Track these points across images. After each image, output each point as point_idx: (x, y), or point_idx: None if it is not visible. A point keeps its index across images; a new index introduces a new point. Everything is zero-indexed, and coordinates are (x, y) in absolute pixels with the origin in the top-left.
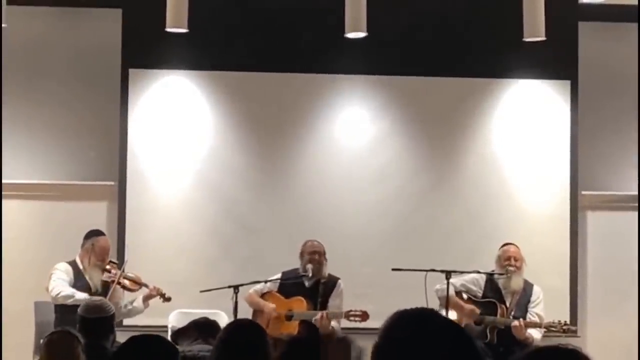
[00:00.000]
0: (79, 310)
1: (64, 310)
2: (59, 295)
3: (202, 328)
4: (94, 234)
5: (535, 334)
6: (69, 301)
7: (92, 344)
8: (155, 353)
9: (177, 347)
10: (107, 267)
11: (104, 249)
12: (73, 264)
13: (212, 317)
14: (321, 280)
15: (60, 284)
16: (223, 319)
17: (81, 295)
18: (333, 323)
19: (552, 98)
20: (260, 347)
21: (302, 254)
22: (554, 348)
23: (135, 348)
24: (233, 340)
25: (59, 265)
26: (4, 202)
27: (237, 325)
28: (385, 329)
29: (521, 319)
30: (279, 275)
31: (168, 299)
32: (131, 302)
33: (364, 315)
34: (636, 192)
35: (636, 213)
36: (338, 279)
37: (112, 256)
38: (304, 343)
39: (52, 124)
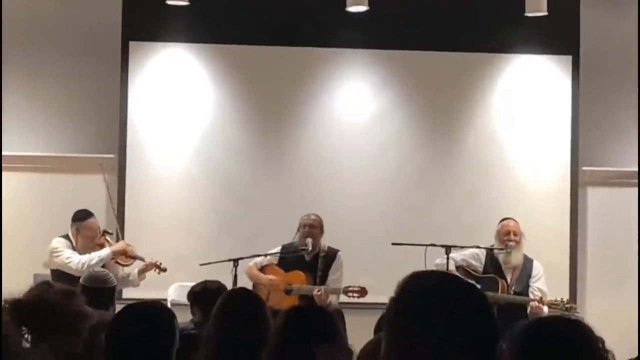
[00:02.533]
0: (81, 279)
1: (61, 281)
2: (92, 262)
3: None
4: (78, 218)
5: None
6: (101, 264)
7: None
8: (152, 320)
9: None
10: (100, 241)
11: (90, 231)
12: (67, 238)
13: None
14: (320, 254)
15: (78, 256)
16: None
17: (104, 253)
18: (331, 298)
19: (553, 73)
20: (258, 316)
21: (298, 228)
22: (557, 318)
23: (133, 315)
24: (230, 309)
25: (56, 243)
26: (3, 174)
27: (234, 294)
28: (400, 288)
29: (530, 297)
30: (278, 249)
31: (164, 270)
32: (128, 275)
33: (362, 292)
34: (637, 168)
35: (637, 189)
36: (337, 251)
37: (111, 228)
38: (304, 312)
39: (52, 96)
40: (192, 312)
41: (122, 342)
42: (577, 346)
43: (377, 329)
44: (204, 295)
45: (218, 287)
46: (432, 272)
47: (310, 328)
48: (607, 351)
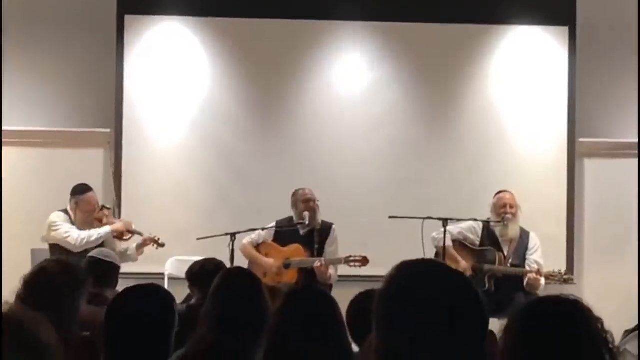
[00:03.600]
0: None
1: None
2: (91, 239)
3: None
4: (77, 191)
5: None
6: (100, 242)
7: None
8: (150, 303)
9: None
10: (98, 216)
11: (89, 205)
12: (66, 212)
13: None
14: (315, 227)
15: (77, 231)
16: None
17: (103, 231)
18: (330, 270)
19: (550, 44)
20: (255, 294)
21: (295, 203)
22: (555, 298)
23: (130, 298)
24: (226, 288)
25: (55, 217)
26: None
27: (231, 273)
28: (389, 279)
29: (526, 269)
30: (273, 224)
31: (162, 245)
32: (126, 250)
33: (364, 261)
34: (634, 139)
35: (635, 160)
36: (332, 224)
37: (109, 203)
38: (303, 293)
39: (48, 70)
40: (192, 292)
41: (120, 325)
42: (575, 327)
43: (349, 317)
44: (202, 275)
45: (216, 265)
46: (421, 260)
47: (309, 309)
48: (605, 331)
